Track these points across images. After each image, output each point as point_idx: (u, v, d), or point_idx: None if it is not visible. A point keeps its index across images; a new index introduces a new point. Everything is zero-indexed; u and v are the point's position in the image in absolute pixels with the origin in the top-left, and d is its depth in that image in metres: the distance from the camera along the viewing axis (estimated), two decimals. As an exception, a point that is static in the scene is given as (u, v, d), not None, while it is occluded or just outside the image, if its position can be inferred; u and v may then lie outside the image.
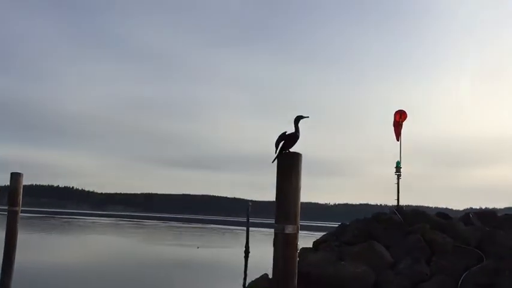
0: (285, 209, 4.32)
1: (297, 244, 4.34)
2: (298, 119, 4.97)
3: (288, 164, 4.39)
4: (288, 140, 4.79)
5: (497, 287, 8.51)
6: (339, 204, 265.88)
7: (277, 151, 4.72)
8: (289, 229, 4.26)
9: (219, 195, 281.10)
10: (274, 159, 4.48)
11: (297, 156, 4.43)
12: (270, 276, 12.54)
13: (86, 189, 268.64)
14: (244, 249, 29.91)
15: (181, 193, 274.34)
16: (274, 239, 4.44)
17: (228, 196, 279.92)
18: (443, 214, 11.68)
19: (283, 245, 4.29)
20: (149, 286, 15.27)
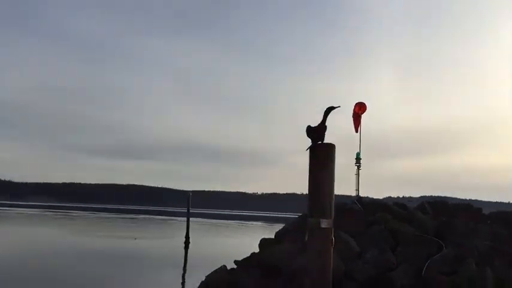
0: (321, 202, 4.10)
1: (332, 239, 4.13)
2: (328, 110, 4.70)
3: (323, 155, 4.13)
4: (316, 132, 4.53)
5: (459, 274, 8.76)
6: (266, 194, 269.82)
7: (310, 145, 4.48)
8: (324, 223, 4.04)
9: (146, 184, 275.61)
10: (308, 148, 4.28)
11: (332, 147, 4.19)
12: (229, 267, 12.26)
13: (3, 178, 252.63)
14: (184, 239, 29.35)
15: (107, 183, 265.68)
16: (308, 233, 4.19)
17: (155, 186, 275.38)
18: (401, 204, 11.96)
19: (320, 239, 4.07)
20: (87, 281, 14.52)
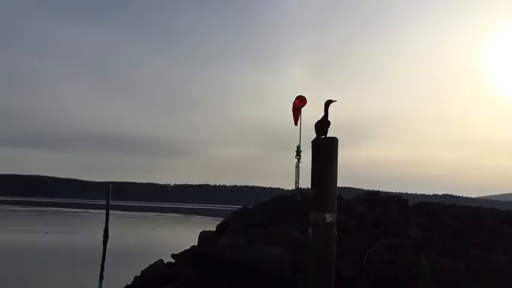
0: (326, 196, 3.94)
1: (336, 233, 4.00)
2: (328, 103, 4.59)
3: (327, 149, 3.98)
4: (320, 126, 4.42)
5: (398, 263, 9.09)
6: (179, 185, 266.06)
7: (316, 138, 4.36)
8: (330, 218, 3.89)
9: (53, 175, 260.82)
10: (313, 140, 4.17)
11: (335, 141, 4.04)
12: (166, 261, 11.81)
13: None
14: (103, 233, 28.06)
15: (8, 173, 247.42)
16: (312, 227, 4.02)
17: (62, 177, 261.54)
18: (338, 196, 12.18)
19: (324, 234, 3.91)
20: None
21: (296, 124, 13.34)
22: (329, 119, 4.36)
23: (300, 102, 13.08)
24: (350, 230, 10.04)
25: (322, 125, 4.33)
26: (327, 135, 4.24)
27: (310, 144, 4.23)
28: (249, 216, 11.09)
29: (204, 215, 72.89)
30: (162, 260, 11.63)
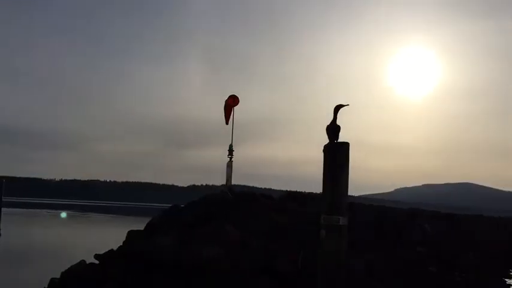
0: (340, 200, 3.93)
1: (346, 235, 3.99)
2: (338, 108, 4.55)
3: (340, 155, 4.00)
4: (330, 131, 4.39)
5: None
6: (66, 180, 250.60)
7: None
8: (343, 220, 3.89)
9: None
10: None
11: (347, 146, 4.07)
12: (88, 262, 11.09)
13: None
14: (-6, 232, 25.79)
15: None
16: (324, 230, 3.97)
17: None
18: (268, 195, 12.37)
19: (338, 236, 3.90)
20: None
21: (227, 123, 13.28)
22: (338, 123, 4.40)
23: (232, 101, 13.03)
24: (285, 228, 10.24)
25: (334, 129, 4.36)
26: (338, 140, 4.28)
27: (323, 149, 4.20)
28: (181, 215, 10.83)
29: (99, 213, 69.61)
30: (84, 261, 10.93)
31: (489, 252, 19.48)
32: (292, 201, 12.43)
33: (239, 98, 12.97)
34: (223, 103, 13.02)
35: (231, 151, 12.73)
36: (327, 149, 4.06)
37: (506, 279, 17.26)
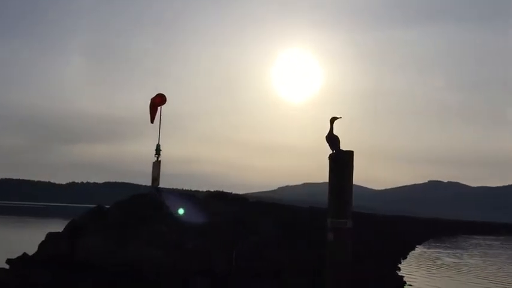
0: (348, 204, 4.15)
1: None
2: (333, 120, 4.80)
3: (344, 163, 4.25)
4: (332, 140, 4.61)
5: (264, 258, 9.83)
6: None
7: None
8: (350, 223, 4.12)
9: None
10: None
11: (351, 154, 4.34)
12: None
13: None
14: None
15: None
16: (334, 232, 4.14)
17: None
18: (191, 195, 12.30)
19: (347, 238, 4.12)
20: None
21: (152, 122, 12.89)
22: (335, 134, 4.68)
23: (160, 100, 12.70)
24: (219, 227, 10.35)
25: (334, 140, 4.62)
26: (341, 149, 4.54)
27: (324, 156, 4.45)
28: (109, 215, 10.37)
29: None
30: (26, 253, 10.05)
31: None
32: (218, 201, 12.54)
33: (166, 97, 12.76)
34: (149, 101, 12.69)
35: (158, 150, 12.43)
36: (332, 158, 4.36)
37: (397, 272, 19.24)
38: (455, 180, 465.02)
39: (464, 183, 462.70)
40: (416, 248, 35.59)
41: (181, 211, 10.00)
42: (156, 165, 12.21)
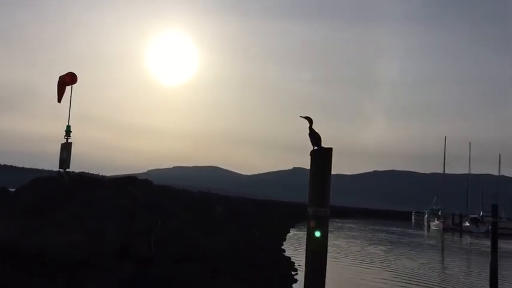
0: (325, 196, 4.59)
1: None
2: (310, 119, 5.20)
3: (325, 159, 4.71)
4: (315, 138, 5.01)
5: (181, 243, 10.10)
6: None
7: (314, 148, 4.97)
8: (328, 212, 4.58)
9: None
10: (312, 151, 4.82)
11: (330, 150, 4.82)
12: None
13: None
14: None
15: None
16: (316, 220, 4.54)
17: None
18: (99, 178, 11.92)
19: (326, 225, 4.55)
20: None
21: (59, 101, 12.04)
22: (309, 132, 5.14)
23: (71, 79, 11.89)
24: (132, 211, 10.29)
25: (315, 137, 5.04)
26: (321, 146, 4.99)
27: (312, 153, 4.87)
28: (15, 199, 9.69)
29: None
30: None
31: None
32: (129, 185, 12.37)
33: (77, 76, 12.06)
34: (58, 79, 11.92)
35: (68, 132, 11.73)
36: (314, 155, 4.84)
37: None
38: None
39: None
40: (290, 231, 38.21)
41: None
42: (67, 146, 11.63)
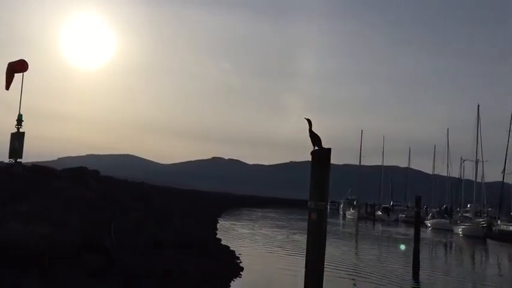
0: (325, 191, 5.07)
1: None
2: (310, 121, 5.58)
3: (325, 158, 5.21)
4: (316, 139, 5.42)
5: (144, 233, 10.27)
6: None
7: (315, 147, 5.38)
8: (326, 205, 5.08)
9: None
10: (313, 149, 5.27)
11: (329, 151, 5.33)
12: None
13: None
14: None
15: None
16: (317, 213, 4.97)
17: None
18: (52, 168, 11.58)
19: (323, 217, 5.03)
20: None
21: (7, 88, 11.41)
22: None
23: (22, 67, 11.29)
24: (93, 203, 10.25)
25: (316, 138, 5.48)
26: (322, 147, 5.43)
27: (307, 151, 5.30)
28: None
29: None
30: None
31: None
32: (86, 176, 12.17)
33: (28, 64, 11.52)
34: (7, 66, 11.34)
35: (20, 121, 11.21)
36: (314, 154, 5.33)
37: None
38: (235, 158, 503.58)
39: (243, 160, 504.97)
40: (218, 221, 38.80)
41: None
42: (18, 136, 11.20)
